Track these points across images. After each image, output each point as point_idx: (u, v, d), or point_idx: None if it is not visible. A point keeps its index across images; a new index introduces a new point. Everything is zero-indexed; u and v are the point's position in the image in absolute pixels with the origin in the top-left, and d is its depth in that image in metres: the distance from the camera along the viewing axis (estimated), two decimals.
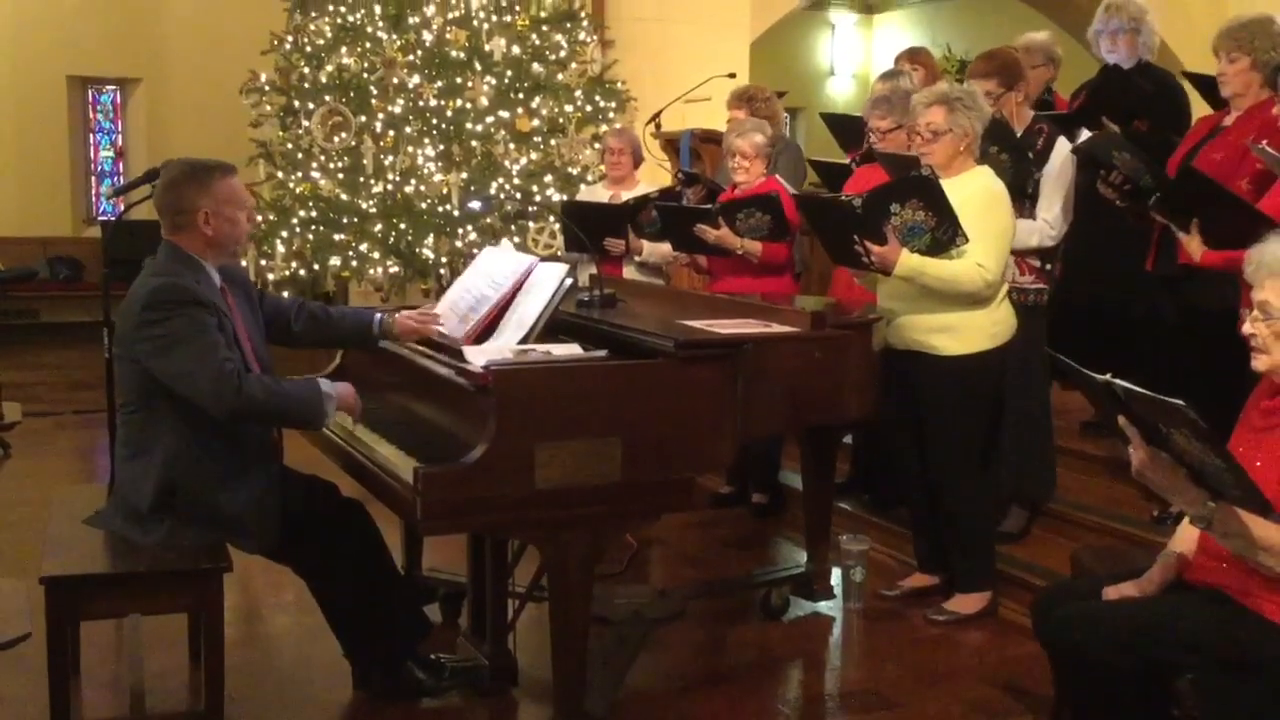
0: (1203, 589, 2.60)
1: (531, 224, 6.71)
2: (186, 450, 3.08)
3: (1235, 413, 2.73)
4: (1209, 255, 3.54)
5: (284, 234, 6.74)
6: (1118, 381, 2.40)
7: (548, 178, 6.95)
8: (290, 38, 7.08)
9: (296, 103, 6.93)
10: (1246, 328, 2.57)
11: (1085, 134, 4.53)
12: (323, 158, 6.80)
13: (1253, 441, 2.57)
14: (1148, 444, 2.43)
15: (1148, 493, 3.70)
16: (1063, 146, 4.37)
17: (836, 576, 4.37)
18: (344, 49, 6.86)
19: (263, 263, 6.79)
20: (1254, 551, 2.40)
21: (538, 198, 6.81)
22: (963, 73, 5.25)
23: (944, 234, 3.78)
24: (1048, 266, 4.48)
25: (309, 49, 6.97)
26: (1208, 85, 4.26)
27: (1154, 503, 4.23)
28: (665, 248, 5.34)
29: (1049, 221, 4.35)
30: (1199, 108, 4.69)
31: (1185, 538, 2.73)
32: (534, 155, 6.99)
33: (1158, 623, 2.51)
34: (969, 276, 3.82)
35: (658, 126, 7.17)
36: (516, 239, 6.81)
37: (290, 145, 6.96)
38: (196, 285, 3.09)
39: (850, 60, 15.16)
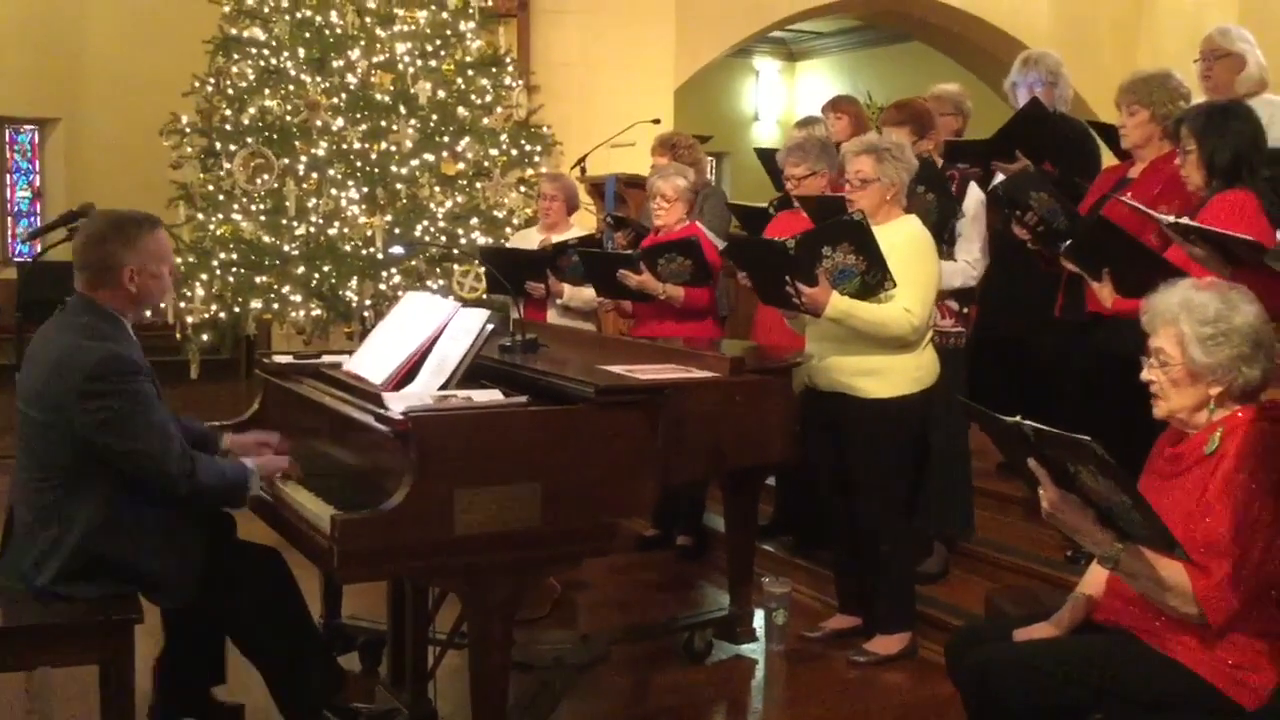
0: (1111, 630, 2.65)
1: (456, 267, 6.71)
2: (110, 521, 3.00)
3: (1144, 459, 2.80)
4: (1120, 303, 3.63)
5: (204, 276, 6.66)
6: (1027, 422, 2.46)
7: (473, 221, 6.95)
8: (212, 80, 7.02)
9: (218, 144, 6.87)
10: (1145, 374, 2.64)
11: (999, 177, 4.65)
12: (244, 200, 6.74)
13: (1158, 488, 2.62)
14: (1056, 484, 2.49)
15: (1062, 533, 3.78)
16: (975, 190, 4.56)
17: (760, 619, 4.39)
18: (267, 91, 6.82)
19: (182, 305, 6.69)
20: (1160, 593, 2.46)
21: (463, 241, 6.80)
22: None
23: (873, 278, 3.86)
24: (965, 310, 4.59)
25: (231, 91, 6.91)
26: (1111, 135, 4.40)
27: (1068, 543, 4.31)
28: (588, 292, 5.35)
29: (970, 263, 4.53)
30: (1108, 159, 4.84)
31: (1094, 579, 2.78)
32: (459, 198, 7.00)
33: (1066, 664, 2.55)
34: (896, 321, 3.89)
35: (583, 171, 7.22)
36: (441, 282, 6.80)
37: (211, 187, 6.89)
38: (132, 350, 3.04)
39: (774, 106, 15.40)
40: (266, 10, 6.95)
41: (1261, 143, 3.53)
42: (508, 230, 6.93)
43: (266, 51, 6.92)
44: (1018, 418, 2.48)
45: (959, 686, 2.76)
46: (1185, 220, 3.05)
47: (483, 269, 6.35)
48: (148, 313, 3.32)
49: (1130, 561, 2.45)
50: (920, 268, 3.95)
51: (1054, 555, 4.51)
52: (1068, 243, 3.85)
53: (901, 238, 3.95)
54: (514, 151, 7.25)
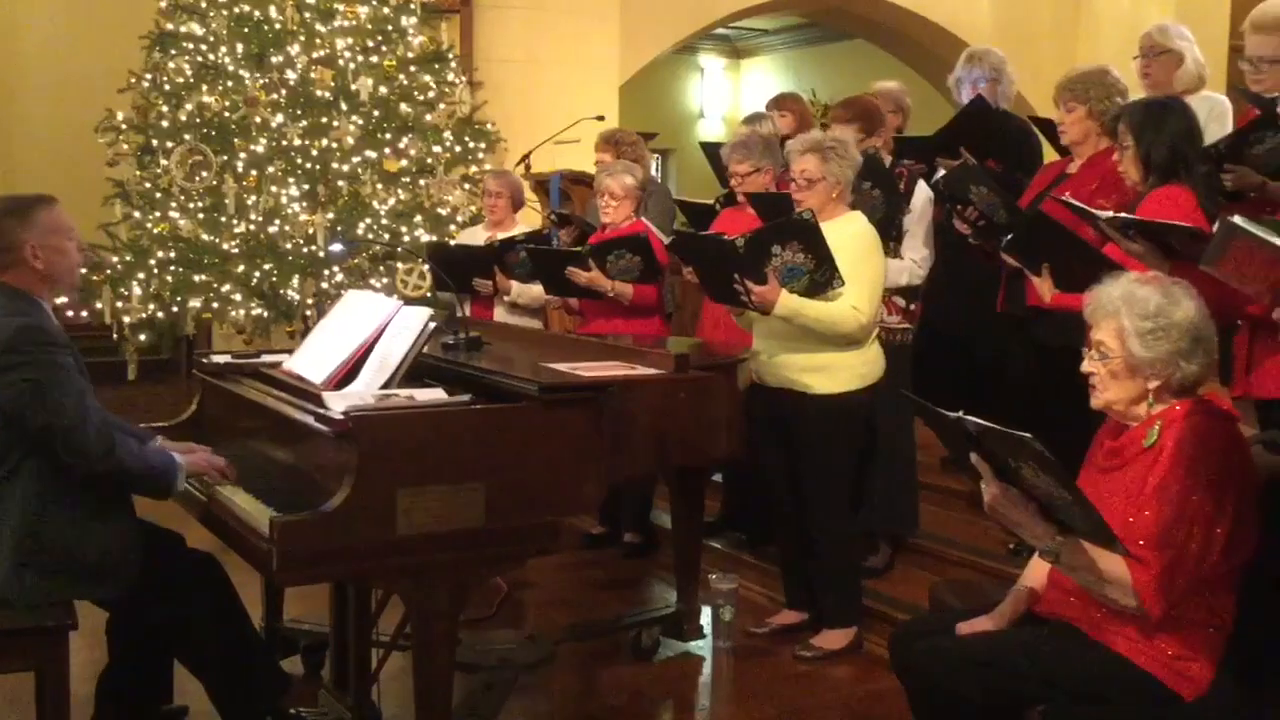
0: (1052, 622, 2.68)
1: (400, 265, 6.64)
2: (44, 507, 2.97)
3: (1085, 451, 2.82)
4: (1059, 297, 3.67)
5: (141, 275, 6.54)
6: (969, 418, 2.47)
7: (417, 218, 6.88)
8: (149, 76, 6.89)
9: (155, 142, 6.74)
10: (1085, 366, 2.67)
11: (942, 172, 4.69)
12: (182, 197, 6.62)
13: (1098, 481, 2.65)
14: (998, 479, 2.50)
15: (1004, 527, 3.81)
16: (923, 187, 4.58)
17: (707, 615, 4.39)
18: (204, 87, 6.70)
19: (119, 305, 6.56)
20: (1100, 585, 2.48)
21: (406, 238, 6.74)
22: (827, 117, 5.40)
23: (822, 276, 3.88)
24: (911, 306, 4.62)
25: (168, 87, 6.78)
26: (1051, 130, 4.44)
27: (1010, 536, 4.34)
28: (536, 289, 5.33)
29: (917, 261, 4.56)
30: (1049, 156, 4.89)
31: (1036, 572, 2.81)
32: (402, 195, 6.92)
33: (1008, 656, 2.57)
34: (845, 318, 3.91)
35: (528, 168, 7.19)
36: (385, 280, 6.73)
37: (149, 185, 6.76)
38: (51, 325, 3.01)
39: (720, 103, 15.41)
40: (204, 5, 6.83)
41: (1198, 139, 3.58)
42: (452, 228, 6.87)
43: (204, 47, 6.80)
44: (960, 413, 2.49)
45: (902, 680, 2.78)
46: (1124, 215, 3.08)
47: (427, 266, 6.30)
48: (71, 290, 3.28)
49: (1070, 555, 2.48)
50: (867, 265, 3.97)
51: (997, 549, 4.54)
52: (1008, 237, 3.88)
53: (847, 235, 3.97)
54: (458, 148, 7.18)
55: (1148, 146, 3.50)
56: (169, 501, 3.31)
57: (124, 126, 6.89)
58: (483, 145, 7.33)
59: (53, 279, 3.13)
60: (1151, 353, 2.56)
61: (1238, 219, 2.06)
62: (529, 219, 6.32)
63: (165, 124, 6.72)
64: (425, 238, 6.74)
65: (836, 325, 3.92)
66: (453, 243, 6.20)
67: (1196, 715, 2.50)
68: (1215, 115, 4.58)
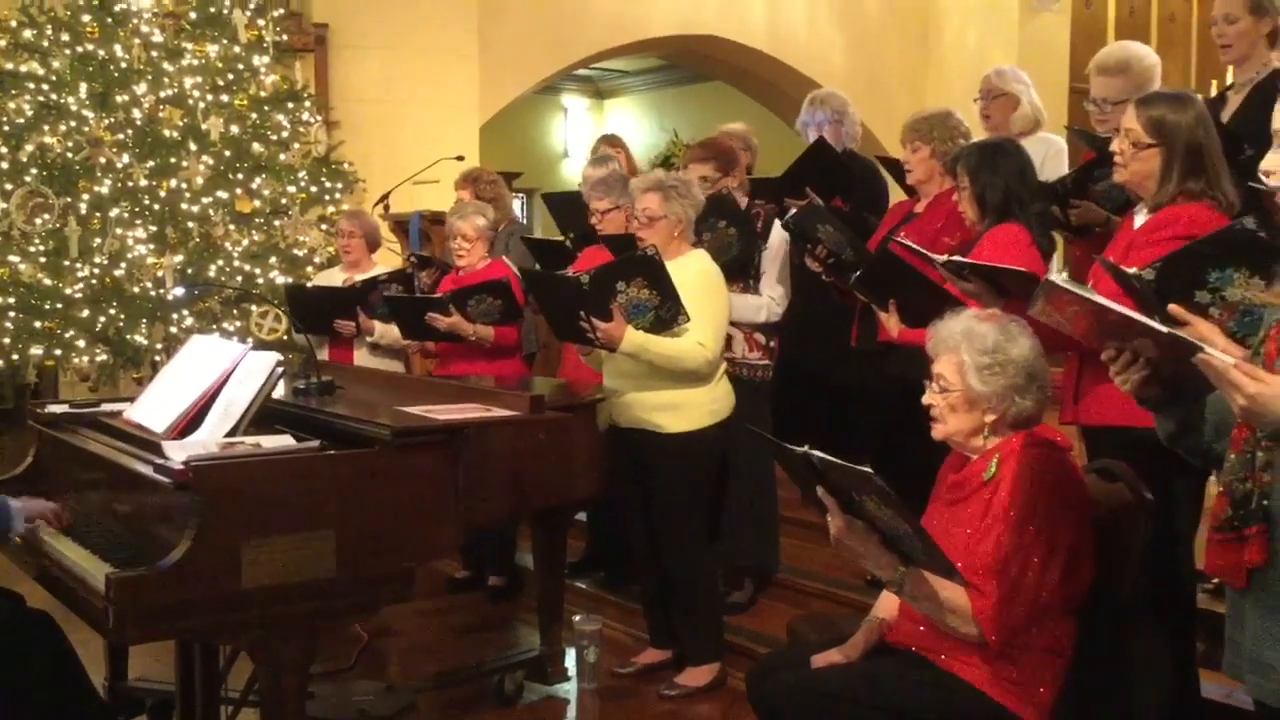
0: (903, 652, 2.72)
1: (254, 308, 6.49)
2: None
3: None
4: (905, 333, 3.76)
5: None
6: (815, 453, 2.51)
7: (272, 260, 6.75)
8: None
9: None
10: (926, 398, 2.74)
11: (793, 211, 4.78)
12: (23, 241, 6.38)
13: (943, 514, 2.72)
14: (844, 512, 2.55)
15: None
16: (779, 227, 4.63)
17: (571, 657, 4.35)
18: (46, 128, 6.48)
19: None
20: (942, 614, 2.53)
21: (260, 280, 6.59)
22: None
23: (667, 312, 3.90)
24: (772, 344, 4.69)
25: (7, 128, 6.54)
26: (899, 170, 4.57)
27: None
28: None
29: (774, 298, 4.61)
30: (896, 194, 5.03)
31: (887, 603, 2.85)
32: (256, 236, 6.78)
33: (859, 687, 2.60)
34: (690, 355, 3.94)
35: (386, 208, 7.11)
36: (239, 323, 6.57)
37: None
38: None
39: (584, 142, 15.46)
40: (45, 44, 6.62)
41: (1030, 178, 3.70)
42: (309, 269, 6.75)
43: (46, 86, 6.58)
44: (805, 447, 2.52)
45: (759, 715, 2.79)
46: (958, 258, 3.18)
47: (283, 308, 6.17)
48: None
49: (913, 585, 2.53)
50: (711, 301, 4.01)
51: (856, 581, 4.60)
52: (857, 274, 3.96)
53: (691, 273, 4.01)
54: (314, 188, 7.07)
55: (982, 187, 3.62)
56: (4, 563, 3.16)
57: None
58: (340, 185, 7.24)
59: None
60: (988, 387, 2.64)
61: (1055, 278, 2.17)
62: (387, 259, 6.25)
63: (5, 165, 6.48)
64: (280, 279, 6.61)
65: (682, 361, 3.95)
66: (309, 284, 6.09)
67: None
68: (1051, 155, 4.76)
